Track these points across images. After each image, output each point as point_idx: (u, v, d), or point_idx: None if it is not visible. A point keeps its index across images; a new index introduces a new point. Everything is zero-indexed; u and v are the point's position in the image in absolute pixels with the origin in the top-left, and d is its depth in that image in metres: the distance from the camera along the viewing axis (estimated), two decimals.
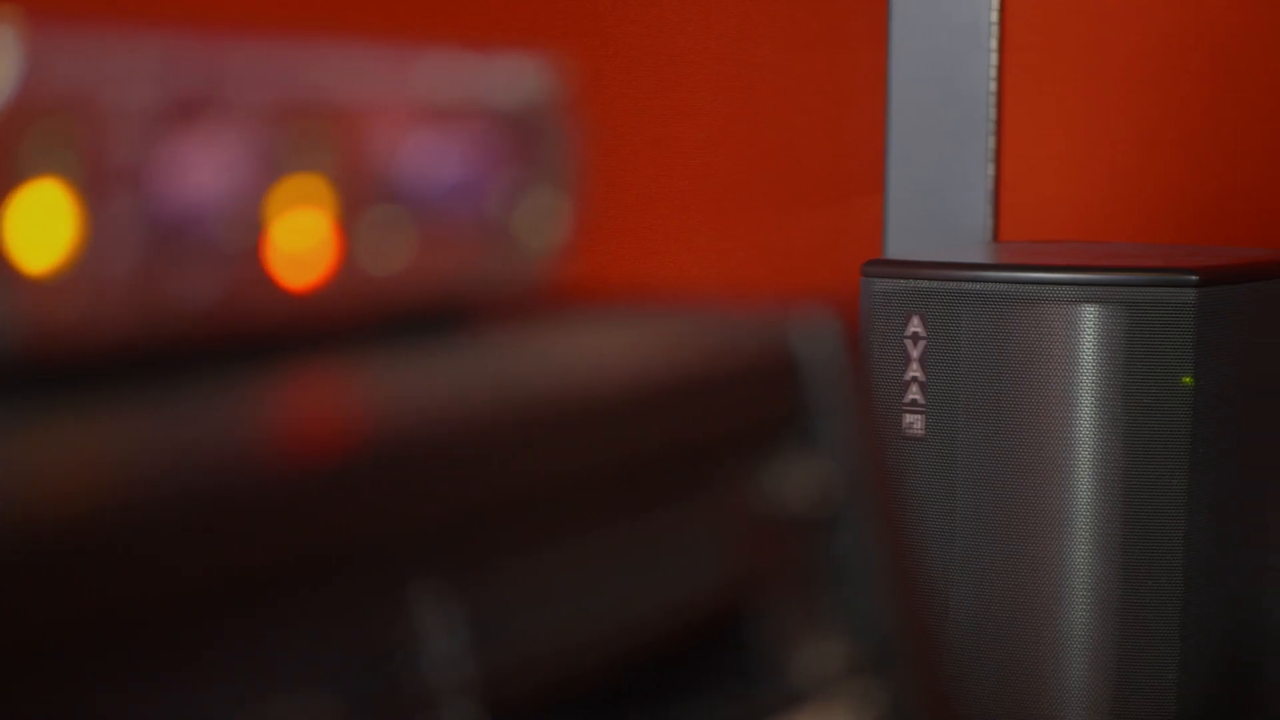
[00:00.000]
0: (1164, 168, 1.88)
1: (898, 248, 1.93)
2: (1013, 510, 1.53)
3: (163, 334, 0.36)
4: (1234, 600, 1.60)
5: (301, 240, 0.37)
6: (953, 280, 1.53)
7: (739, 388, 0.43)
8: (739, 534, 0.43)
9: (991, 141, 1.90)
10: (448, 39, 0.45)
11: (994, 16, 1.89)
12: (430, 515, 0.39)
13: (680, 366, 0.42)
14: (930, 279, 1.54)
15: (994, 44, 1.89)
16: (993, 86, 1.90)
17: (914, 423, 1.56)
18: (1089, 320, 1.50)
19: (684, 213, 1.62)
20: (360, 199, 0.38)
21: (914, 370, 1.56)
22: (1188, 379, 1.49)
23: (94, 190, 0.34)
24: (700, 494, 0.42)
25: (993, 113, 1.90)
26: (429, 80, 0.40)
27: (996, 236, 1.94)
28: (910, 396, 1.56)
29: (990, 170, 1.91)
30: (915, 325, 1.55)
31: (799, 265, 1.80)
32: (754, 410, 0.43)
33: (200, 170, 0.35)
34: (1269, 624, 1.67)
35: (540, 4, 1.41)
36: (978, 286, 1.53)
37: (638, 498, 0.42)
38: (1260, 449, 1.62)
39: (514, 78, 0.42)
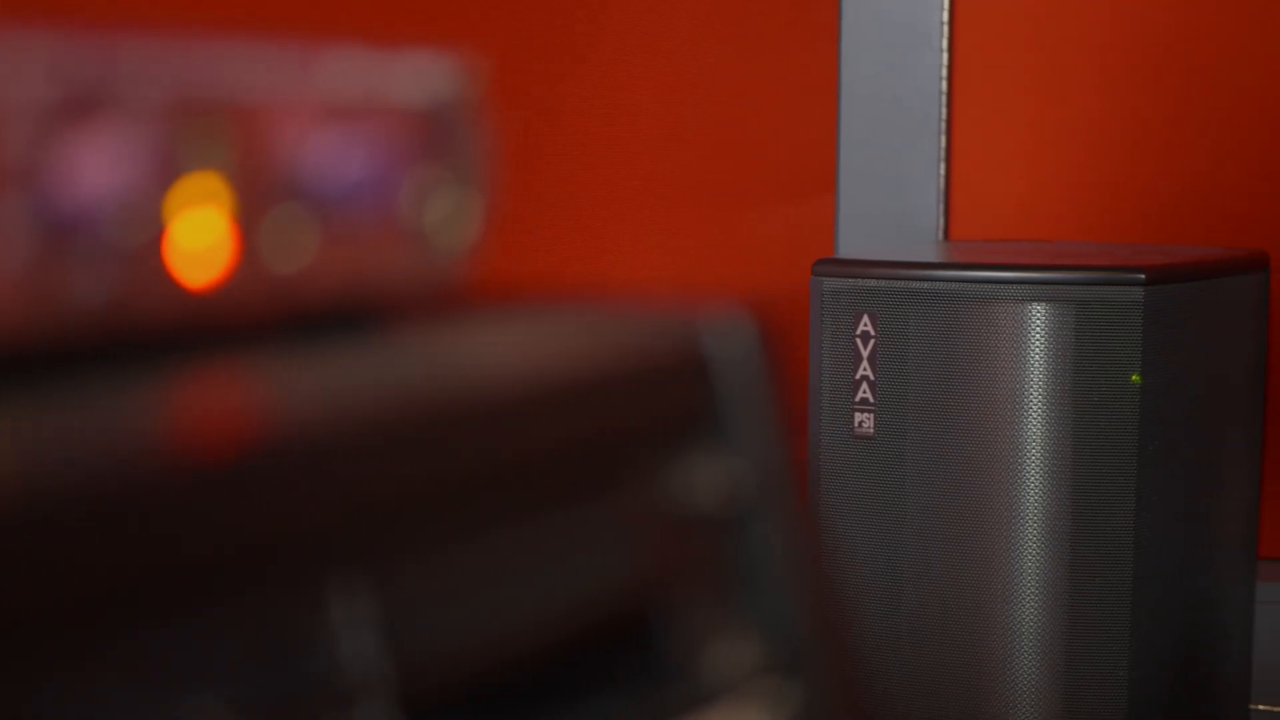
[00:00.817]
0: (1114, 168, 1.89)
1: (849, 247, 1.93)
2: (962, 508, 1.53)
3: (58, 333, 0.36)
4: (1184, 597, 1.60)
5: (200, 238, 0.37)
6: (902, 279, 1.54)
7: (648, 386, 0.43)
8: (648, 532, 0.43)
9: (942, 141, 1.91)
10: (362, 37, 0.44)
11: (944, 16, 1.90)
12: (341, 513, 0.38)
13: (589, 365, 0.42)
14: (880, 278, 1.54)
15: (944, 44, 1.90)
16: (943, 86, 1.90)
17: (864, 421, 1.56)
18: (1037, 319, 1.51)
19: (635, 212, 1.62)
20: (261, 197, 0.38)
21: (864, 369, 1.56)
22: (1136, 377, 1.50)
23: None
24: (609, 492, 0.42)
25: (944, 112, 1.90)
26: (334, 78, 0.40)
27: (948, 236, 1.94)
28: (860, 395, 1.56)
29: (941, 170, 1.91)
30: (865, 324, 1.55)
31: (750, 264, 1.80)
32: (663, 409, 0.43)
33: (95, 168, 0.35)
34: (1219, 620, 1.68)
35: (490, 3, 1.41)
36: (927, 286, 1.53)
37: (547, 496, 0.42)
38: (1208, 447, 1.63)
39: (423, 75, 0.42)
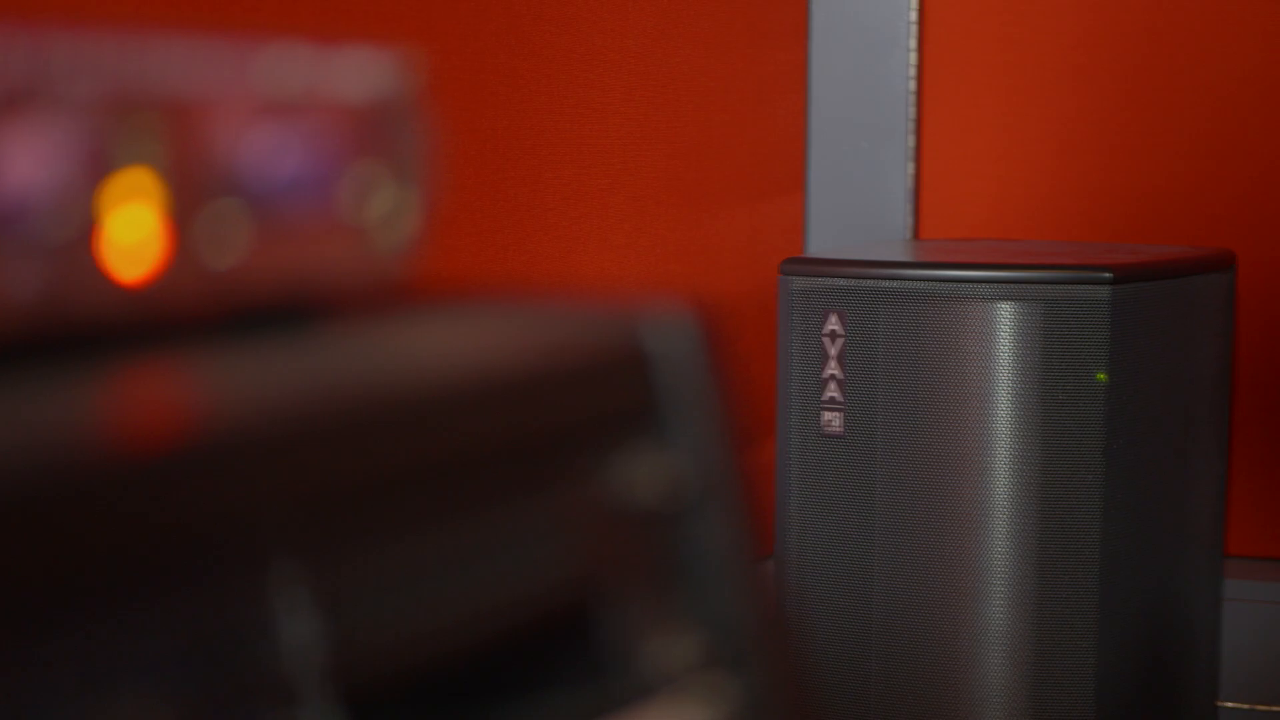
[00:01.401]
0: (1082, 167, 1.89)
1: (818, 246, 1.93)
2: (931, 506, 1.53)
3: None
4: (1151, 594, 1.61)
5: (131, 234, 0.37)
6: (870, 278, 1.54)
7: (588, 382, 0.43)
8: (588, 527, 0.43)
9: (911, 140, 1.91)
10: (304, 32, 0.44)
11: (913, 16, 1.90)
12: (281, 506, 0.39)
13: (529, 360, 0.42)
14: (848, 277, 1.55)
15: (913, 43, 1.90)
16: (912, 86, 1.90)
17: (832, 420, 1.56)
18: (1005, 317, 1.51)
19: (603, 211, 1.62)
20: (196, 192, 0.38)
21: (832, 368, 1.56)
22: (1102, 375, 1.51)
23: None
24: (549, 487, 0.42)
25: (912, 112, 1.91)
26: (272, 73, 0.40)
27: (917, 235, 1.95)
28: (829, 394, 1.56)
29: (910, 169, 1.92)
30: (833, 323, 1.56)
31: (719, 263, 1.80)
32: (603, 404, 0.43)
33: (26, 163, 0.35)
34: (1186, 617, 1.68)
35: (456, 2, 1.41)
36: (895, 284, 1.53)
37: (486, 490, 0.42)
38: (1175, 445, 1.63)
39: (364, 71, 0.42)
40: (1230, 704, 1.83)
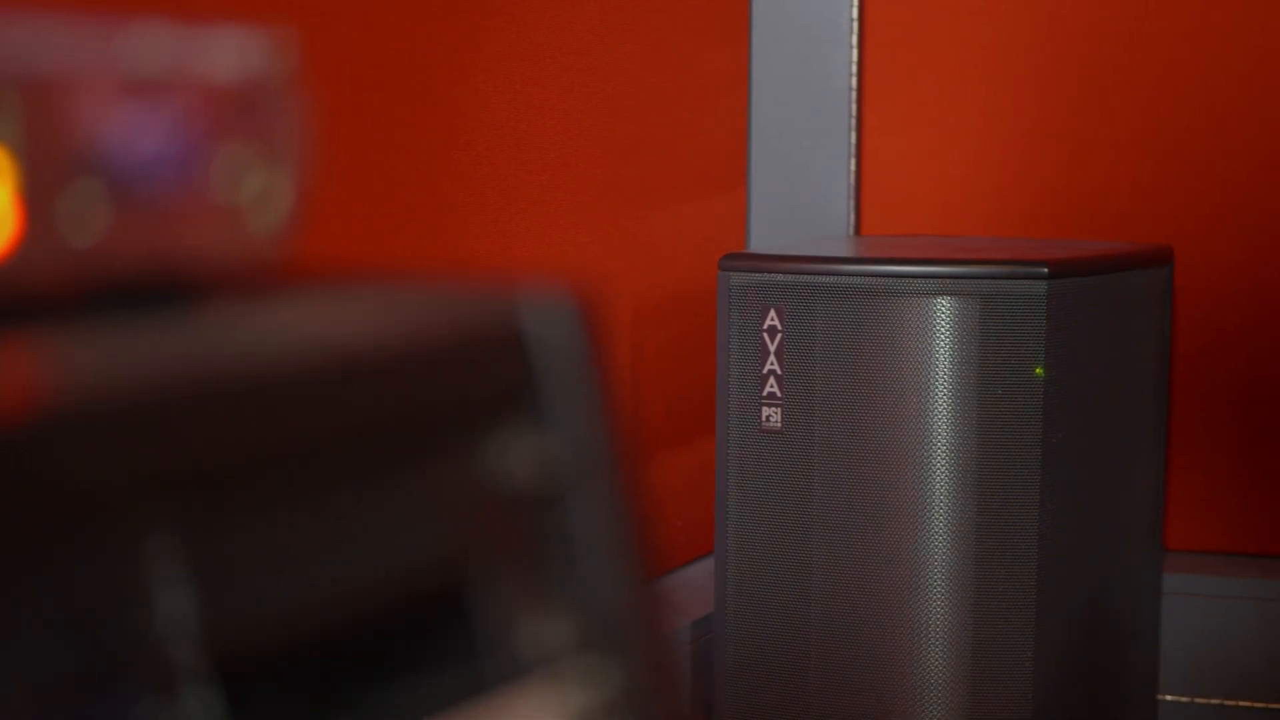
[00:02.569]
0: (1022, 163, 1.90)
1: (761, 242, 1.94)
2: (869, 502, 1.54)
3: None
4: (1090, 588, 1.61)
5: None
6: (808, 274, 1.54)
7: (464, 363, 0.43)
8: (463, 507, 0.43)
9: (853, 137, 1.92)
10: (177, 10, 0.44)
11: (854, 13, 1.90)
12: (154, 480, 0.38)
13: (403, 341, 0.42)
14: (786, 272, 1.55)
15: (854, 40, 1.91)
16: (854, 83, 1.91)
17: (771, 415, 1.56)
18: (943, 313, 1.51)
19: (542, 207, 1.62)
20: (56, 171, 0.38)
21: (771, 363, 1.56)
22: (1040, 370, 1.51)
23: None
24: (423, 466, 0.42)
25: (854, 109, 1.91)
26: (137, 52, 0.40)
27: (859, 230, 1.95)
28: (768, 390, 1.56)
29: (852, 165, 1.92)
30: (772, 319, 1.56)
31: (660, 259, 1.80)
32: (480, 386, 0.43)
33: None
34: (1126, 611, 1.69)
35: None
36: (833, 280, 1.53)
37: (359, 468, 0.42)
38: (1113, 439, 1.64)
39: (236, 51, 0.42)
40: (1170, 697, 1.84)
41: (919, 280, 1.52)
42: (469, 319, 0.44)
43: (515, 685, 0.42)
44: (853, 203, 1.93)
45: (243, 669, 0.39)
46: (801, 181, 1.92)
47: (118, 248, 0.39)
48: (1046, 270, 1.51)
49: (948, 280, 1.52)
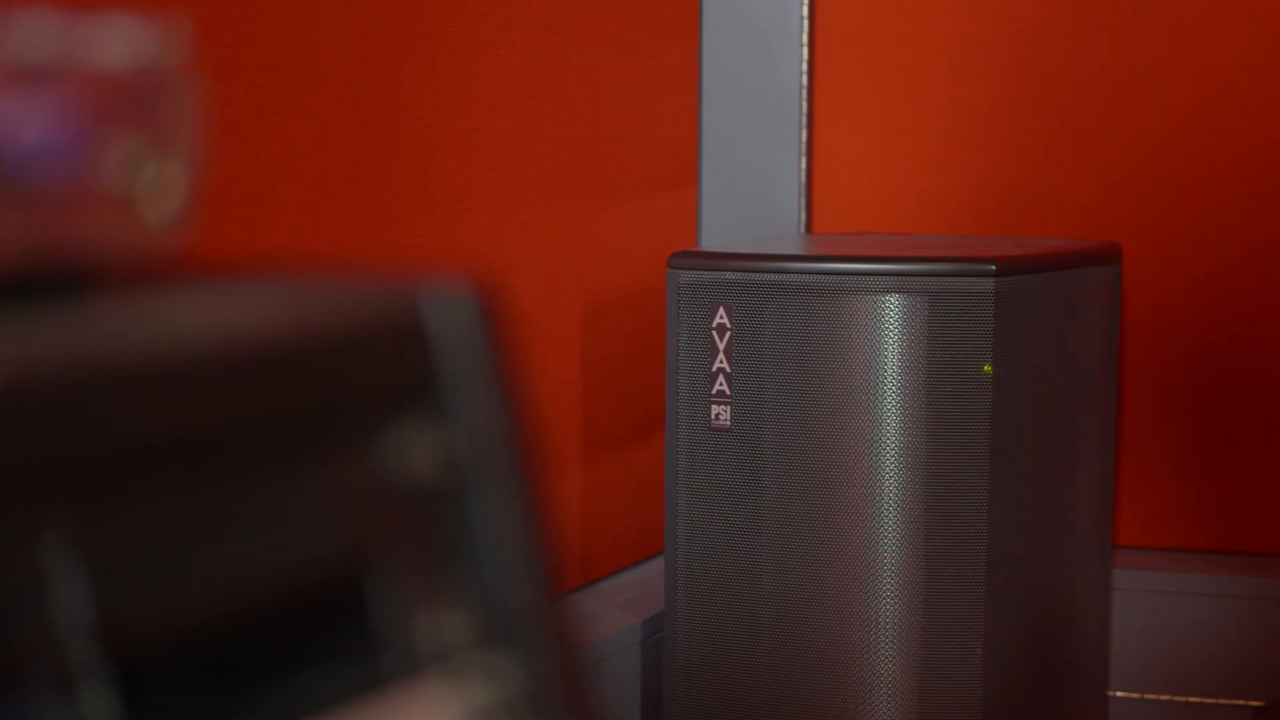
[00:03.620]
0: (974, 161, 1.90)
1: (712, 240, 1.93)
2: (819, 500, 1.54)
3: None
4: (1039, 585, 1.62)
5: None
6: (757, 272, 1.54)
7: (363, 356, 0.43)
8: (362, 501, 0.42)
9: (804, 135, 1.92)
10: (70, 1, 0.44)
11: (804, 11, 1.90)
12: (49, 471, 0.38)
13: (301, 333, 0.42)
14: (735, 270, 1.55)
15: (805, 38, 1.91)
16: (804, 81, 1.91)
17: (720, 414, 1.56)
18: (891, 310, 1.51)
19: (491, 205, 1.61)
20: None
21: (720, 362, 1.56)
22: (988, 368, 1.51)
23: None
24: (320, 460, 0.42)
25: (805, 106, 1.91)
26: (21, 40, 0.39)
27: (810, 228, 1.95)
28: (717, 388, 1.56)
29: (803, 163, 1.92)
30: (721, 316, 1.56)
31: (610, 257, 1.80)
32: (380, 379, 0.43)
33: None
34: (1075, 608, 1.69)
35: None
36: (781, 278, 1.53)
37: (257, 462, 0.41)
38: (1062, 436, 1.64)
39: (128, 40, 0.42)
40: (1120, 693, 1.85)
41: (867, 278, 1.52)
42: (369, 312, 0.43)
43: (413, 680, 0.42)
44: (804, 201, 1.93)
45: (139, 663, 0.39)
46: (752, 179, 1.92)
47: (4, 237, 0.39)
48: (994, 268, 1.51)
49: (896, 278, 1.52)
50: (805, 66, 1.90)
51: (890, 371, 1.52)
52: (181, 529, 0.40)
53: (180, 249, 0.42)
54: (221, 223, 1.27)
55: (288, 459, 0.42)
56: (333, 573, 0.42)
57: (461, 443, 0.44)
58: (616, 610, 1.72)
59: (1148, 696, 1.84)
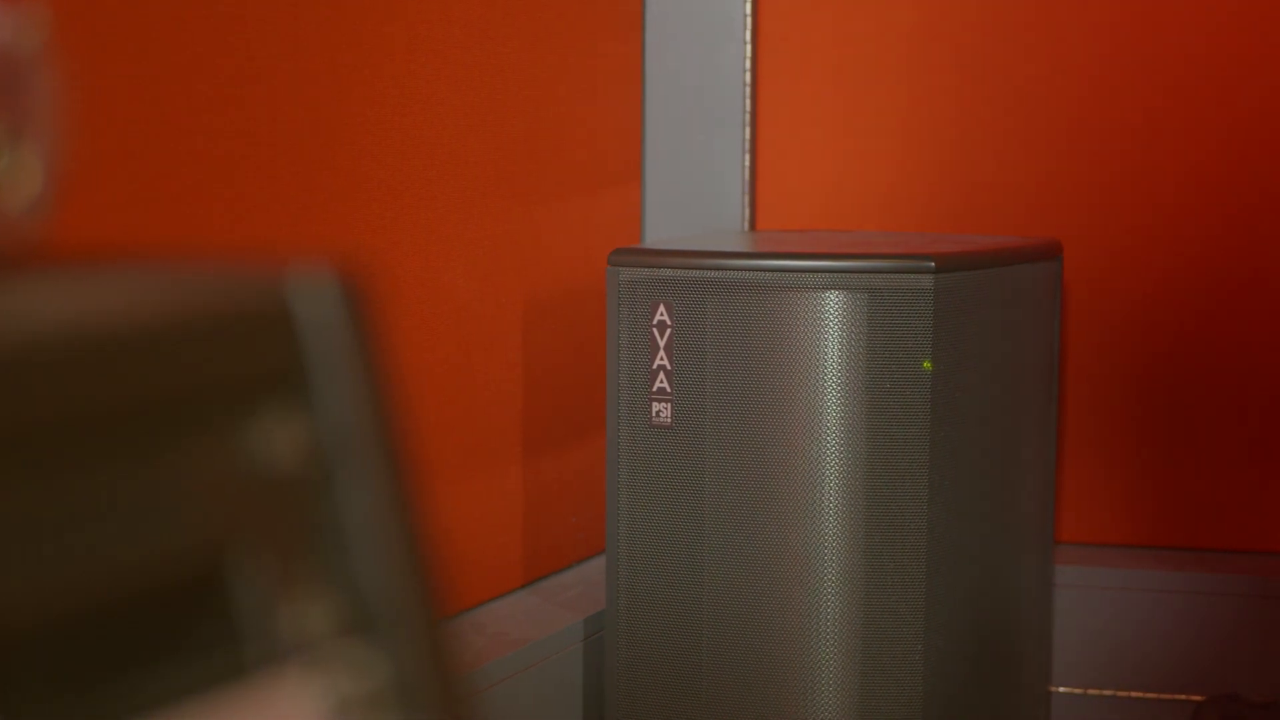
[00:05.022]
0: (917, 158, 1.90)
1: (656, 238, 1.93)
2: (760, 496, 1.53)
3: None
4: (981, 581, 1.62)
5: None
6: (697, 269, 1.54)
7: (227, 343, 0.42)
8: (224, 489, 0.42)
9: (748, 132, 1.91)
10: None
11: (748, 8, 1.90)
12: None
13: (162, 320, 0.41)
14: (675, 267, 1.54)
15: (748, 35, 1.91)
16: (748, 78, 1.91)
17: (661, 411, 1.56)
18: (831, 307, 1.51)
19: (430, 202, 1.60)
20: None
21: (661, 359, 1.56)
22: (927, 364, 1.51)
23: None
24: (182, 448, 0.41)
25: (749, 103, 1.91)
26: None
27: (754, 226, 1.95)
28: (658, 385, 1.56)
29: (747, 160, 1.92)
30: (662, 314, 1.55)
31: (552, 255, 1.80)
32: (244, 366, 0.42)
33: None
34: (1017, 603, 1.70)
35: None
36: (722, 274, 1.53)
37: (115, 449, 0.41)
38: (1003, 432, 1.65)
39: None
40: (1064, 689, 1.85)
41: (807, 275, 1.52)
42: (233, 299, 0.43)
43: (276, 670, 0.42)
44: (748, 198, 1.93)
45: None
46: (696, 176, 1.92)
47: None
48: (933, 264, 1.51)
49: (836, 275, 1.52)
50: (749, 64, 1.90)
51: (830, 368, 1.52)
52: (35, 518, 0.40)
53: (41, 236, 0.42)
54: (151, 223, 1.26)
55: (147, 447, 0.41)
56: (194, 561, 0.41)
57: (328, 430, 0.43)
58: (559, 608, 1.71)
59: (1090, 692, 1.84)
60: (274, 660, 0.41)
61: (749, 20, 1.90)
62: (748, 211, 1.93)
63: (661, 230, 1.93)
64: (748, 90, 1.90)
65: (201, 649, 0.41)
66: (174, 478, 0.41)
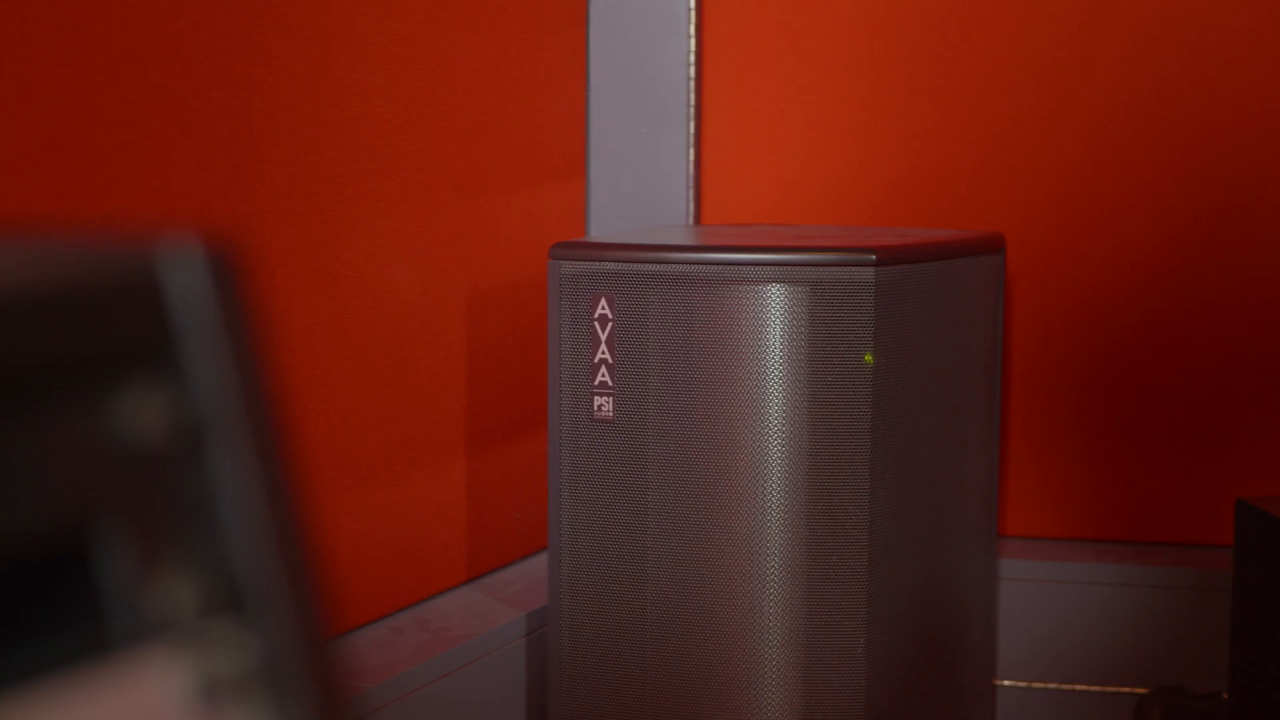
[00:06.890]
0: (861, 152, 1.90)
1: (601, 232, 1.93)
2: (703, 489, 1.53)
3: None
4: (924, 574, 1.62)
5: None
6: (638, 262, 1.53)
7: (92, 315, 0.42)
8: (88, 463, 0.41)
9: (692, 127, 1.91)
10: None
11: (692, 3, 1.90)
12: None
13: (25, 291, 0.41)
14: (616, 261, 1.54)
15: (692, 30, 1.90)
16: (692, 73, 1.90)
17: (603, 405, 1.55)
18: (773, 300, 1.51)
19: (371, 195, 1.60)
20: None
21: (603, 353, 1.55)
22: (869, 357, 1.51)
23: None
24: (43, 421, 0.41)
25: (693, 98, 1.91)
26: None
27: (699, 220, 1.95)
28: (599, 379, 1.56)
29: (691, 155, 1.92)
30: (603, 307, 1.55)
31: (495, 249, 1.79)
32: (109, 339, 0.42)
33: None
34: (961, 597, 1.70)
35: None
36: (663, 268, 1.53)
37: None
38: (946, 425, 1.65)
39: None
40: (1008, 682, 1.85)
41: (748, 268, 1.52)
42: (100, 270, 0.42)
43: (140, 648, 0.41)
44: (693, 192, 1.93)
45: None
46: (641, 171, 1.91)
47: None
48: (874, 257, 1.51)
49: (777, 268, 1.52)
50: (693, 58, 1.90)
51: (772, 361, 1.51)
52: None
53: None
54: (86, 208, 1.25)
55: (8, 418, 0.41)
56: (56, 536, 0.41)
57: (197, 405, 0.43)
58: (502, 604, 1.71)
59: (1035, 685, 1.84)
60: (139, 638, 0.41)
61: (693, 15, 1.90)
62: (692, 206, 1.93)
63: (606, 225, 1.93)
64: (692, 85, 1.90)
65: (63, 625, 0.41)
66: (37, 450, 0.41)
